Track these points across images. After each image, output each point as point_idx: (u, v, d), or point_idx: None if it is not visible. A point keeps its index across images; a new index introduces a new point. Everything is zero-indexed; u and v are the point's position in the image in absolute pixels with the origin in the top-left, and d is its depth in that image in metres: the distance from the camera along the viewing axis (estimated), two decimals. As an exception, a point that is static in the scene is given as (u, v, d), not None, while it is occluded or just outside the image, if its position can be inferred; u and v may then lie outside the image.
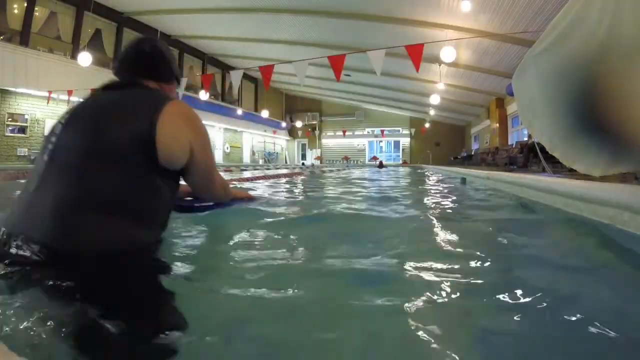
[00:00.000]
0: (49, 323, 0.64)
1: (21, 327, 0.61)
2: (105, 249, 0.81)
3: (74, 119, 0.94)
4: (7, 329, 0.61)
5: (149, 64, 1.08)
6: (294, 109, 25.49)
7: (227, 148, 18.62)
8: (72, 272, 0.75)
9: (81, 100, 1.04)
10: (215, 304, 0.78)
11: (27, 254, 0.77)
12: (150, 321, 0.66)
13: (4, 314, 0.65)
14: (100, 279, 0.76)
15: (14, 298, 0.71)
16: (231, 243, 1.28)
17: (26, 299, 0.70)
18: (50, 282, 0.73)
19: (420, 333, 0.63)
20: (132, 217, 0.87)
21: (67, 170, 0.85)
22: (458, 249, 1.19)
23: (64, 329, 0.62)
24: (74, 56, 10.40)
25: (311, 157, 25.58)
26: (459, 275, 0.93)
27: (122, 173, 0.86)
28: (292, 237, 1.34)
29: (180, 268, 0.96)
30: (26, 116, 9.82)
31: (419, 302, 0.75)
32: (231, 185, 1.47)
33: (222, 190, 1.28)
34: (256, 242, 1.29)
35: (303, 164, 23.33)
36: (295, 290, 0.84)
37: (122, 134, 0.88)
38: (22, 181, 5.18)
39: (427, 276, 0.91)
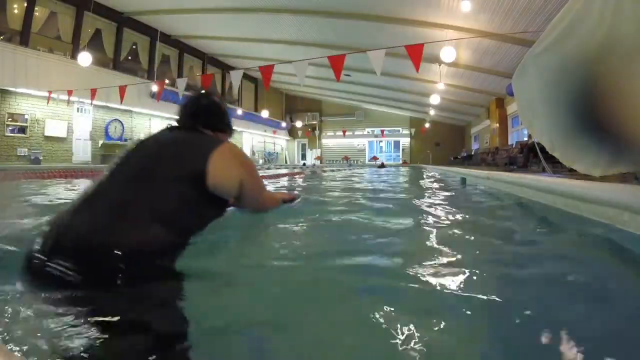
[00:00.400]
0: (52, 322, 0.64)
1: (23, 326, 0.61)
2: (134, 248, 0.83)
3: (140, 146, 1.11)
4: (7, 328, 0.61)
5: (206, 117, 1.25)
6: (294, 109, 25.47)
7: (227, 148, 18.60)
8: (102, 266, 0.80)
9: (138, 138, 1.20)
10: (229, 301, 0.80)
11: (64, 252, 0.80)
12: (160, 316, 0.71)
13: (5, 313, 0.65)
14: (124, 273, 0.79)
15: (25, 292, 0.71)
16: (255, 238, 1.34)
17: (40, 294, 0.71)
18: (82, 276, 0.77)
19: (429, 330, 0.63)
20: (167, 224, 0.91)
21: (123, 181, 0.97)
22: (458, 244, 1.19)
23: (71, 325, 0.63)
24: (74, 56, 10.39)
25: (311, 157, 25.57)
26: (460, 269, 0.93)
27: (168, 190, 0.96)
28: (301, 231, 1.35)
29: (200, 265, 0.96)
30: (26, 116, 9.82)
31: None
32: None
33: (270, 205, 1.48)
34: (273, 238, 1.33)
35: (304, 164, 23.32)
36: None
37: (178, 162, 1.02)
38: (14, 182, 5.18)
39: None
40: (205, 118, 1.24)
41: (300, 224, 1.48)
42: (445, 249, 1.19)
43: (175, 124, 1.24)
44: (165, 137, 1.15)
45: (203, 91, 1.37)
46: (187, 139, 1.14)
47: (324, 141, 26.16)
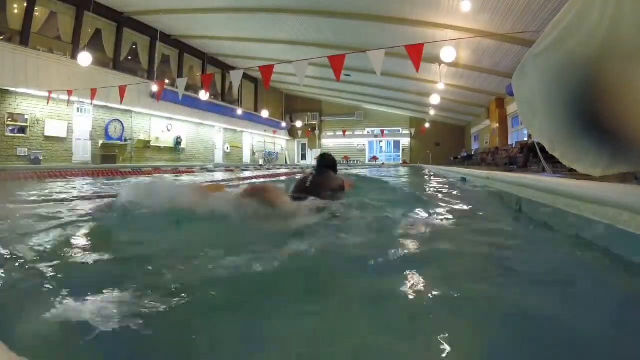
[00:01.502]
0: (59, 321, 0.64)
1: (29, 325, 0.61)
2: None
3: (312, 177, 2.72)
4: (8, 328, 0.61)
5: (330, 165, 2.93)
6: (294, 109, 25.47)
7: (227, 148, 18.61)
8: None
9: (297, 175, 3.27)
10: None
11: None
12: None
13: (7, 312, 0.65)
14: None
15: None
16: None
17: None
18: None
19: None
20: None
21: (313, 187, 2.57)
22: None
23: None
24: (74, 56, 10.39)
25: (311, 157, 25.55)
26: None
27: (330, 192, 2.50)
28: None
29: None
30: (26, 116, 9.81)
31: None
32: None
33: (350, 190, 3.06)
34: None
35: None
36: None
37: (331, 186, 2.64)
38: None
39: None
40: (330, 166, 2.90)
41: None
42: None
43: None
44: (318, 174, 2.77)
45: (324, 153, 3.09)
46: (329, 175, 2.78)
47: (324, 141, 26.14)
